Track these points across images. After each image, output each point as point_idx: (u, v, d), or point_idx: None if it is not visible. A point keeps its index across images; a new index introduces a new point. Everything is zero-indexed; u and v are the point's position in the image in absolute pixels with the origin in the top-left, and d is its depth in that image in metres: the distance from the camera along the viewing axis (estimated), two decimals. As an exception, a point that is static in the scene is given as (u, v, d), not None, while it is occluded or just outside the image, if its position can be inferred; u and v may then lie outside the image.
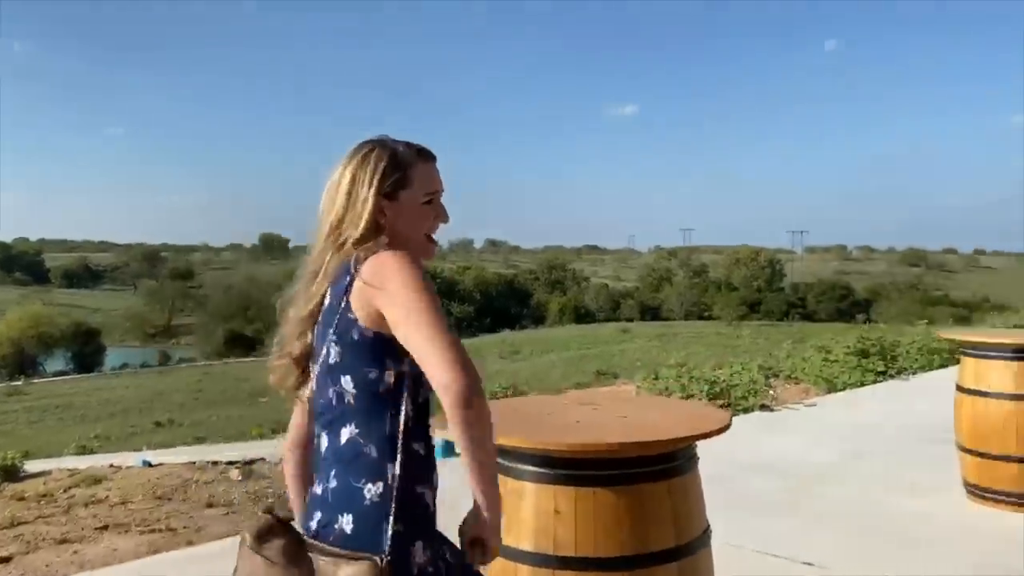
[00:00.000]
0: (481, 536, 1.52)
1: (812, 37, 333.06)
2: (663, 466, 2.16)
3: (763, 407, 7.90)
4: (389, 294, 1.49)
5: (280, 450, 7.52)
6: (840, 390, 9.16)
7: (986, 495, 4.53)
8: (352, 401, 1.55)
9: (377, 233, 1.62)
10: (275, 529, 1.54)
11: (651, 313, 77.58)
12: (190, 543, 4.63)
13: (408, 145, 1.70)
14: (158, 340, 78.35)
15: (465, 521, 1.54)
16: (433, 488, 1.59)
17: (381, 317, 1.52)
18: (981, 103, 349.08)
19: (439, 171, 1.72)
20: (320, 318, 1.62)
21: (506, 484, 2.10)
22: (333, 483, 1.54)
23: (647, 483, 2.13)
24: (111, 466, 8.06)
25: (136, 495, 6.14)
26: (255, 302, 70.36)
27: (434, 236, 1.72)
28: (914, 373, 9.98)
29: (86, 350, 62.80)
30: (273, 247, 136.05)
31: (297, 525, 1.59)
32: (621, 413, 2.48)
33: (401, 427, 1.54)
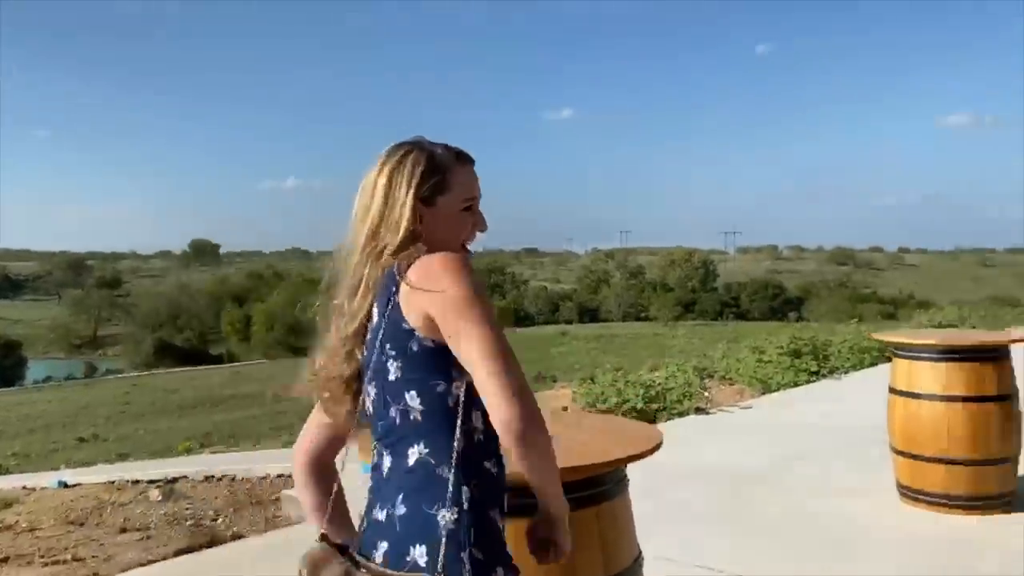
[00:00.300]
0: (554, 538, 1.53)
1: (743, 41, 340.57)
2: (591, 491, 2.02)
3: (698, 410, 7.86)
4: (441, 301, 1.40)
5: (207, 465, 7.13)
6: (775, 391, 9.20)
7: (919, 497, 4.51)
8: (419, 418, 1.45)
9: (414, 241, 1.51)
10: (329, 556, 1.47)
11: (589, 315, 78.04)
12: (95, 575, 4.34)
13: (446, 147, 1.60)
14: (84, 351, 75.71)
15: (534, 523, 1.54)
16: (504, 510, 1.51)
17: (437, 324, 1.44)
18: (905, 105, 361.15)
19: (477, 176, 1.63)
20: (369, 334, 1.52)
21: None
22: (401, 509, 1.43)
23: (574, 510, 1.98)
24: (24, 488, 7.62)
25: (47, 520, 5.77)
26: (185, 310, 68.69)
27: (469, 245, 1.63)
28: (846, 372, 10.10)
29: (6, 363, 60.14)
30: (204, 253, 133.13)
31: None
32: (547, 433, 2.32)
33: (474, 444, 1.46)
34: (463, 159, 1.61)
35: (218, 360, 57.15)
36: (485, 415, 1.45)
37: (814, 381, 9.59)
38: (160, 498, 6.18)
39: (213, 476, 6.74)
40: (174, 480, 6.78)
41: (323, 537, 1.51)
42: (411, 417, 1.45)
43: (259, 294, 65.33)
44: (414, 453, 1.45)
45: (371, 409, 1.52)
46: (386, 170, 1.56)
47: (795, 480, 5.33)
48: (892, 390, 4.66)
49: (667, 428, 7.14)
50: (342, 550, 1.49)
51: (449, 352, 1.43)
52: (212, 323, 67.50)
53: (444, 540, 1.39)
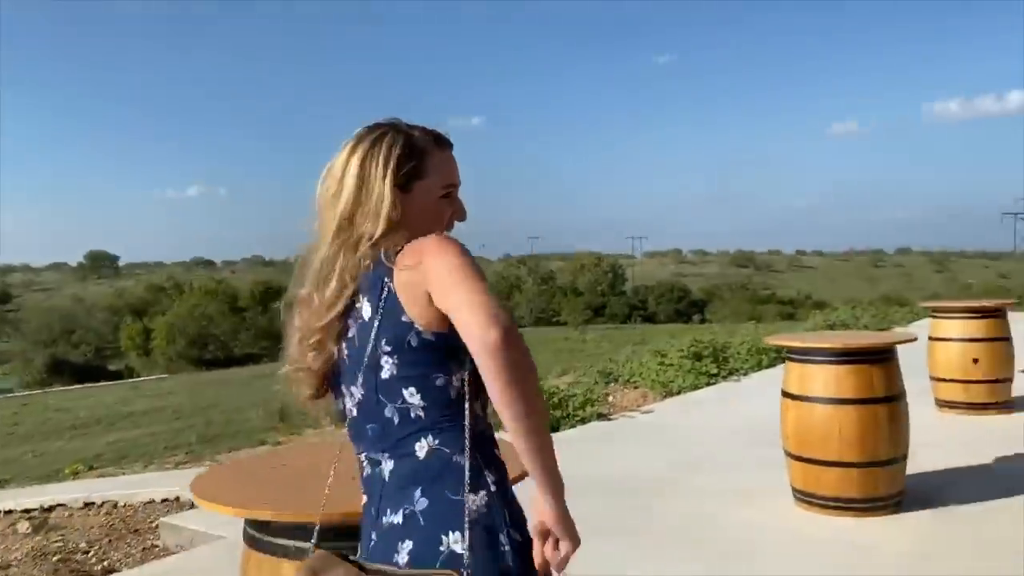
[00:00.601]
0: (548, 528, 1.33)
1: (643, 51, 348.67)
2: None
3: (600, 416, 7.81)
4: (429, 266, 1.32)
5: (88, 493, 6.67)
6: (676, 394, 9.26)
7: (812, 500, 4.52)
8: (421, 414, 1.38)
9: (395, 230, 1.42)
10: (330, 561, 1.41)
11: (501, 321, 78.00)
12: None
13: (424, 130, 1.51)
14: (-31, 371, 71.52)
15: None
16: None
17: (438, 314, 1.33)
18: (802, 114, 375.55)
19: (456, 161, 1.54)
20: (354, 331, 1.42)
21: (261, 563, 1.71)
22: (423, 503, 1.35)
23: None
24: None
25: (-99, 562, 5.27)
26: (81, 325, 65.69)
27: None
28: (745, 374, 10.24)
29: None
30: (101, 265, 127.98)
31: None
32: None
33: (482, 433, 1.41)
34: (442, 143, 1.52)
35: (117, 376, 54.75)
36: (485, 404, 1.41)
37: (714, 383, 9.69)
38: (29, 530, 5.75)
39: (93, 503, 6.34)
40: (50, 509, 6.33)
41: (318, 545, 1.46)
42: (412, 415, 1.38)
43: (160, 306, 63.07)
44: (423, 446, 1.37)
45: (354, 412, 1.43)
46: (359, 152, 1.45)
47: (693, 486, 5.29)
48: (785, 394, 4.67)
49: (567, 436, 7.06)
50: (341, 555, 1.42)
51: (449, 344, 1.35)
52: (110, 338, 64.79)
53: (479, 523, 1.33)
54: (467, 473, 1.35)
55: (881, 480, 4.40)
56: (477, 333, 1.23)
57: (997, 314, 6.97)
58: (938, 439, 6.05)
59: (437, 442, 1.37)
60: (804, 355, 4.56)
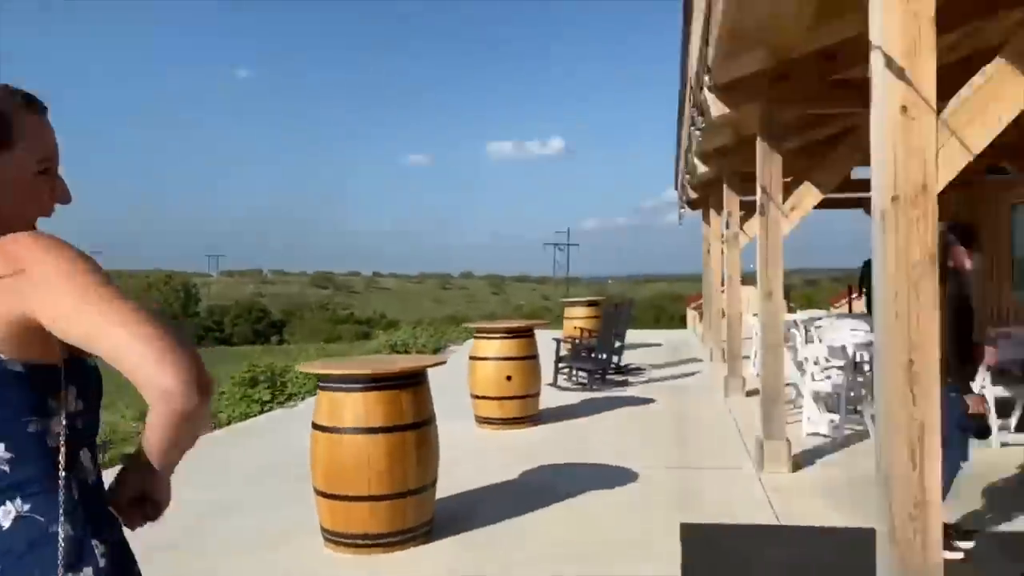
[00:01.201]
0: (156, 496, 1.25)
1: (222, 65, 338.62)
2: None
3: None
4: (38, 288, 1.04)
5: None
6: (226, 425, 8.57)
7: (341, 540, 4.22)
8: (7, 469, 1.10)
9: None
10: None
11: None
12: None
13: (7, 89, 1.18)
14: None
15: (125, 483, 1.23)
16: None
17: (32, 335, 1.08)
18: (377, 145, 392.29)
19: (53, 129, 1.21)
20: None
21: None
22: None
23: None
24: None
25: None
26: None
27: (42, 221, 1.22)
28: (303, 399, 9.83)
29: None
30: None
31: None
32: None
33: (91, 489, 1.17)
34: (32, 105, 1.20)
35: None
36: (94, 451, 1.22)
37: (268, 411, 9.16)
38: None
39: None
40: None
41: None
42: None
43: None
44: (9, 512, 1.10)
45: None
46: None
47: (219, 533, 4.70)
48: (315, 426, 4.32)
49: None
50: None
51: (43, 377, 1.11)
52: None
53: None
54: (70, 547, 1.11)
55: (411, 510, 4.24)
56: (157, 381, 1.04)
57: (527, 334, 7.48)
58: (473, 456, 6.21)
59: (28, 507, 1.12)
60: (334, 383, 4.26)
